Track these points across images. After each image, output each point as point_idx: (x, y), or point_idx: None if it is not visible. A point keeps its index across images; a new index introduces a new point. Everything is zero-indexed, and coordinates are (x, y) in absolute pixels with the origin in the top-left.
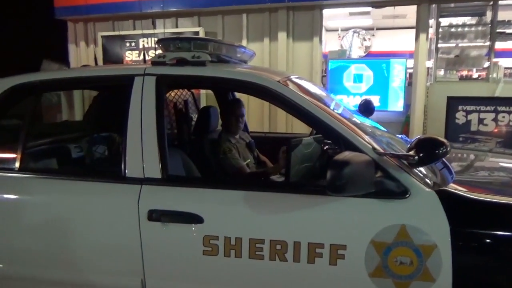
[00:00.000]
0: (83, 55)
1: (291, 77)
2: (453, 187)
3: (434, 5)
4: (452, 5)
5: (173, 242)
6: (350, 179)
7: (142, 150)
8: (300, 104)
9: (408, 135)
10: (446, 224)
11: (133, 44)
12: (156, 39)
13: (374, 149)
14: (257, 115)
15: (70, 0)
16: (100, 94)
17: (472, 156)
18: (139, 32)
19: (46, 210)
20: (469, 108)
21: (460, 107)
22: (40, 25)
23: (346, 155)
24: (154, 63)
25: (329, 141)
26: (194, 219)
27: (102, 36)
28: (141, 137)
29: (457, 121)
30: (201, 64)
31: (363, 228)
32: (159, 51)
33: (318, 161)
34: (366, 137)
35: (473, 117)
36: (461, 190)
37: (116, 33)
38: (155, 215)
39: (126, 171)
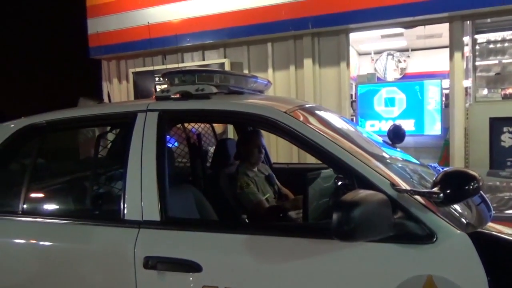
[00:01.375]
0: (116, 92)
1: (305, 106)
2: (492, 228)
3: (468, 21)
4: (489, 20)
5: None
6: (360, 222)
7: (141, 190)
8: (307, 135)
9: (448, 160)
10: (483, 275)
11: (161, 78)
12: None
13: (393, 185)
14: (285, 145)
15: (103, 39)
16: (103, 132)
17: None
18: (166, 66)
19: (40, 254)
20: None
21: (505, 129)
22: (76, 64)
23: (356, 194)
24: (158, 98)
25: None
26: (191, 267)
27: (133, 73)
28: (141, 176)
29: (502, 144)
30: (205, 97)
31: (382, 279)
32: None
33: (339, 196)
34: (387, 171)
35: None
36: (501, 232)
37: (145, 68)
38: (151, 263)
39: (125, 213)
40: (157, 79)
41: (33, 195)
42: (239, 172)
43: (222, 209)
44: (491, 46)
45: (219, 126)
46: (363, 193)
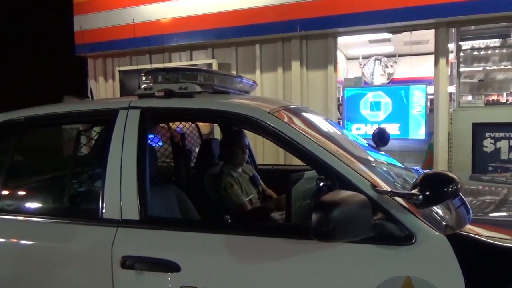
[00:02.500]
0: (102, 90)
1: (290, 106)
2: (470, 230)
3: (453, 29)
4: (473, 28)
5: None
6: (339, 223)
7: (120, 188)
8: (289, 136)
9: (432, 164)
10: (460, 277)
11: (145, 77)
12: None
13: (373, 186)
14: (272, 146)
15: (90, 37)
16: (84, 129)
17: (503, 191)
18: (152, 66)
19: (15, 253)
20: (497, 135)
21: (487, 134)
22: (62, 61)
23: (336, 195)
24: (141, 95)
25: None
26: (170, 267)
27: (119, 71)
28: (120, 174)
29: (484, 149)
30: (188, 95)
31: (361, 281)
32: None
33: (320, 197)
34: (368, 173)
35: (503, 144)
36: (480, 234)
37: (132, 67)
38: (129, 262)
39: (103, 211)
40: (143, 78)
41: (9, 192)
42: (223, 173)
43: (205, 209)
44: (475, 53)
45: (206, 126)
46: (343, 193)
